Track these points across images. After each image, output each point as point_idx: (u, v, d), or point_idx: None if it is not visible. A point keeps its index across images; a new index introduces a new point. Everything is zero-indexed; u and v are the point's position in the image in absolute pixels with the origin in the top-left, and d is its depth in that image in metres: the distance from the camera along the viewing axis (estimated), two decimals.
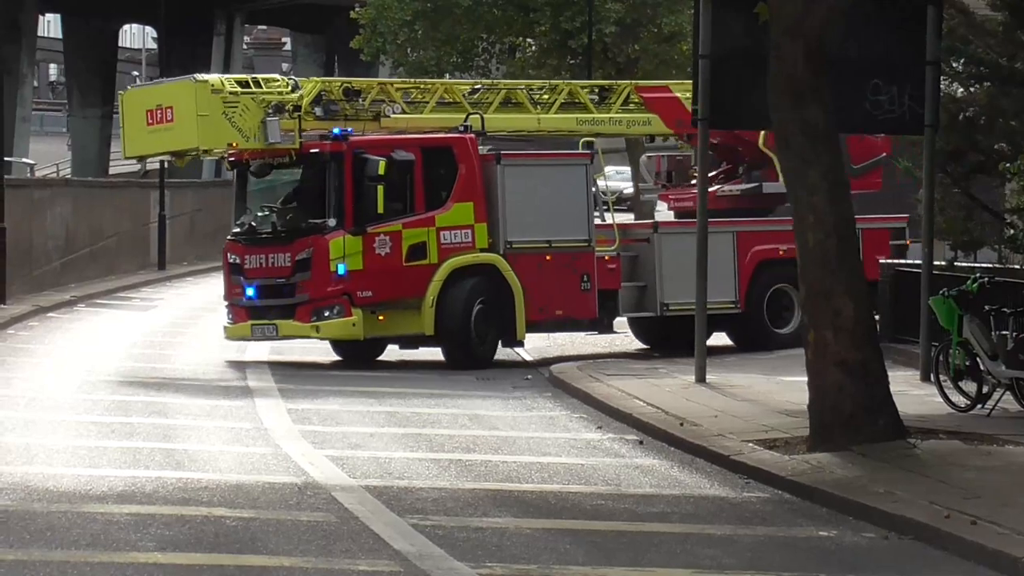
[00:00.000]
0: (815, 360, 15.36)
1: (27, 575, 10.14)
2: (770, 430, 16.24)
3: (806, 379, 15.59)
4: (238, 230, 22.47)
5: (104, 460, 14.53)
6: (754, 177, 25.39)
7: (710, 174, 23.38)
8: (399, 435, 16.67)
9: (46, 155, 40.36)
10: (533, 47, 55.26)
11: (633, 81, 29.65)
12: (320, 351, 23.51)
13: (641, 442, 16.36)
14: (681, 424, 16.57)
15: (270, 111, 21.45)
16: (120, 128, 23.19)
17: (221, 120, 21.22)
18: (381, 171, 21.20)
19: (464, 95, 24.07)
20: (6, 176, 32.56)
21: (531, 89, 25.36)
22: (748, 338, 24.60)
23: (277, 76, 24.83)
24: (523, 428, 17.65)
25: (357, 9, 53.34)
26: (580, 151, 24.27)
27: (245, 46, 71.28)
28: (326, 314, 21.26)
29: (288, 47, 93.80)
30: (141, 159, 24.61)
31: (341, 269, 21.25)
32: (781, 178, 23.16)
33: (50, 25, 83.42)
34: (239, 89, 21.77)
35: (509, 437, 16.79)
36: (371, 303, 21.67)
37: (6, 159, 35.05)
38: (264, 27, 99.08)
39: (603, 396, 19.17)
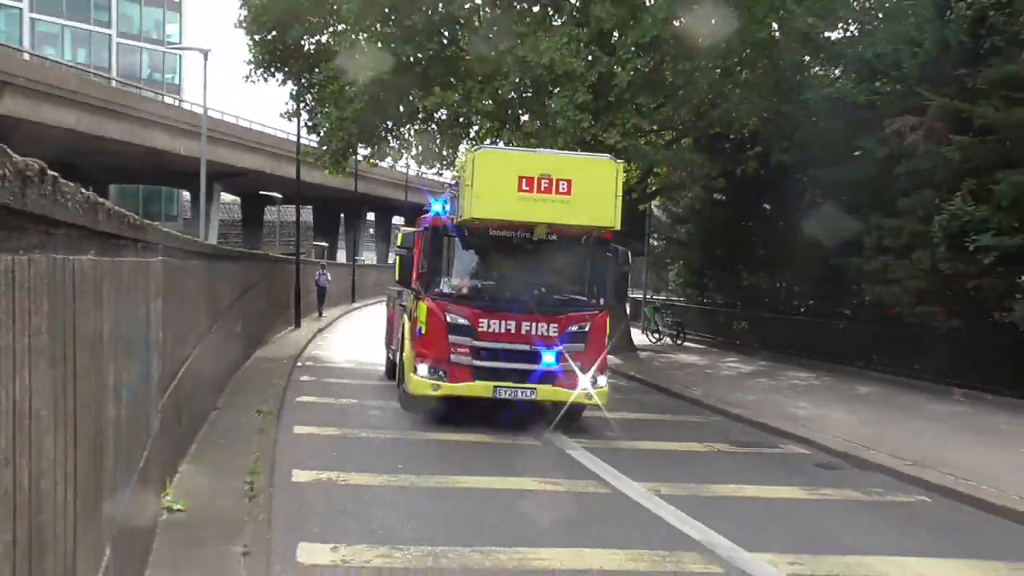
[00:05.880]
0: None
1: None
2: None
3: None
4: (448, 291, 20.42)
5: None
6: None
7: None
8: None
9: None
10: None
11: None
12: None
13: None
14: None
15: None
16: (464, 188, 19.40)
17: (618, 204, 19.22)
18: (631, 261, 21.78)
19: None
20: (301, 255, 47.01)
21: None
22: None
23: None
24: None
25: None
26: None
27: None
28: (599, 382, 20.26)
29: None
30: (481, 223, 19.74)
31: (608, 345, 20.95)
32: None
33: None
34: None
35: None
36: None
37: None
38: None
39: None
